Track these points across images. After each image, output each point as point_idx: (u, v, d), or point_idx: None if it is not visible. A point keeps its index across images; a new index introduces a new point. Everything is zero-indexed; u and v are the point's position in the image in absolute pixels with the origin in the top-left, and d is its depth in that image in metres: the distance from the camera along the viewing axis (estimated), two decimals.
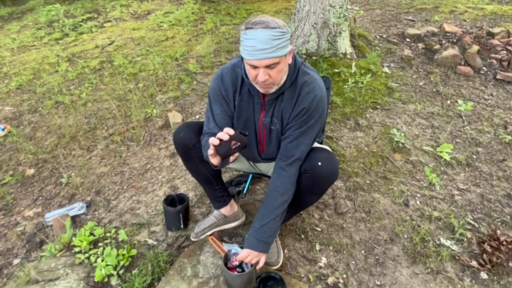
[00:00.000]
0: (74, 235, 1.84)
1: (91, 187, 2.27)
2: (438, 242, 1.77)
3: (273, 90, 1.30)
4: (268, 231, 1.35)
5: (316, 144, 1.56)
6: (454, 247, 1.74)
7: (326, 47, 3.38)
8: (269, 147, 1.49)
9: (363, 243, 1.78)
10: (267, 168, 1.69)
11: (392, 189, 2.10)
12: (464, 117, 2.75)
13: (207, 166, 1.60)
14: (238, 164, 1.74)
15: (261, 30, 1.15)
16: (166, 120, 2.83)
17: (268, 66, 1.19)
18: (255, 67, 1.21)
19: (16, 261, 1.82)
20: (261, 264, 1.36)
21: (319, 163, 1.35)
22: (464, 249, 1.73)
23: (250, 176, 2.08)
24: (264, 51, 1.15)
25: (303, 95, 1.33)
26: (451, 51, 3.44)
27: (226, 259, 1.41)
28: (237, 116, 1.45)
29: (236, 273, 1.40)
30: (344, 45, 3.42)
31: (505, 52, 3.41)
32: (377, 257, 1.71)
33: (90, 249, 1.76)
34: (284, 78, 1.30)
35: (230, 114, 1.44)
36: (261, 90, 1.31)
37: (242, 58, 1.37)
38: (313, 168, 1.36)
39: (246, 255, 1.34)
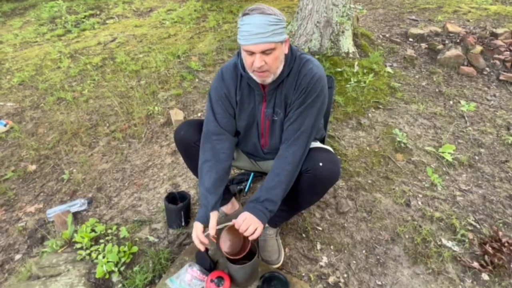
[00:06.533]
0: (76, 231, 1.85)
1: (92, 183, 2.27)
2: (439, 243, 1.77)
3: (269, 79, 1.30)
4: (267, 204, 1.30)
5: (318, 144, 1.56)
6: (456, 248, 1.74)
7: (329, 46, 3.37)
8: (272, 139, 1.48)
9: (364, 243, 1.77)
10: (268, 167, 1.68)
11: (393, 189, 2.09)
12: (466, 118, 2.75)
13: None
14: (239, 162, 1.74)
15: (257, 15, 1.17)
16: (168, 117, 2.83)
17: (264, 52, 1.20)
18: (251, 54, 1.22)
19: (17, 257, 1.83)
20: (256, 234, 1.28)
21: (320, 164, 1.34)
22: (466, 250, 1.73)
23: (252, 174, 2.08)
24: (260, 35, 1.17)
25: (302, 76, 1.34)
26: (454, 51, 3.43)
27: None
28: (239, 112, 1.45)
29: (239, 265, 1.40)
30: (347, 44, 3.41)
31: (508, 53, 3.39)
32: (378, 257, 1.71)
33: (91, 246, 1.76)
34: (280, 68, 1.31)
35: (231, 113, 1.45)
36: (258, 80, 1.31)
37: (238, 54, 1.39)
38: (314, 168, 1.35)
39: (243, 218, 1.28)
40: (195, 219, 1.37)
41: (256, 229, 1.27)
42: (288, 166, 1.33)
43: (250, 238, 1.30)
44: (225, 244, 1.40)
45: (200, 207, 1.39)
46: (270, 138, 1.49)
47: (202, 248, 1.34)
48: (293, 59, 1.35)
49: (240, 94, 1.42)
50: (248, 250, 1.37)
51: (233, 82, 1.41)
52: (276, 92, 1.38)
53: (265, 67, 1.23)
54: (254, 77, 1.31)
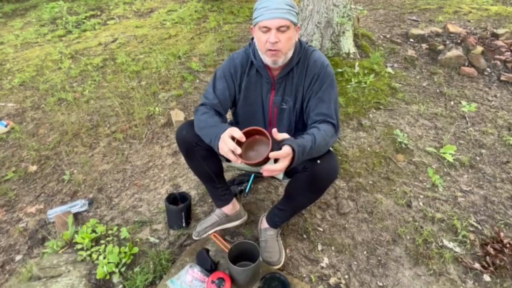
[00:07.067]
0: (76, 232, 1.84)
1: (93, 184, 2.27)
2: (440, 244, 1.76)
3: (280, 61, 1.34)
4: (305, 142, 1.19)
5: None
6: (457, 249, 1.74)
7: (330, 47, 3.37)
8: (280, 128, 1.50)
9: (365, 244, 1.77)
10: None
11: (394, 190, 2.09)
12: (467, 119, 2.74)
13: (210, 165, 1.61)
14: (240, 164, 1.74)
15: None
16: (168, 118, 2.83)
17: (279, 29, 1.27)
18: (267, 30, 1.28)
19: (18, 258, 1.83)
20: (278, 166, 1.12)
21: (318, 161, 1.33)
22: (467, 251, 1.73)
23: (252, 175, 2.08)
24: (277, 10, 1.25)
25: (311, 64, 1.40)
26: (455, 52, 3.42)
27: (231, 253, 1.41)
28: (243, 97, 1.48)
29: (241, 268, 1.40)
30: (348, 44, 3.41)
31: (509, 53, 3.39)
32: (379, 258, 1.70)
33: (92, 247, 1.76)
34: (291, 52, 1.36)
35: (231, 93, 1.48)
36: (269, 61, 1.34)
37: (249, 45, 1.45)
38: (311, 166, 1.35)
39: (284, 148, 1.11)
40: (218, 136, 1.20)
41: (280, 164, 1.12)
42: (327, 138, 1.27)
43: (265, 174, 1.14)
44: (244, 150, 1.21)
45: (214, 135, 1.25)
46: (278, 126, 1.51)
47: (237, 161, 1.15)
48: (302, 49, 1.41)
49: (246, 80, 1.46)
50: (265, 159, 1.15)
51: (242, 66, 1.46)
52: (286, 80, 1.43)
53: (278, 45, 1.28)
54: (266, 59, 1.35)
